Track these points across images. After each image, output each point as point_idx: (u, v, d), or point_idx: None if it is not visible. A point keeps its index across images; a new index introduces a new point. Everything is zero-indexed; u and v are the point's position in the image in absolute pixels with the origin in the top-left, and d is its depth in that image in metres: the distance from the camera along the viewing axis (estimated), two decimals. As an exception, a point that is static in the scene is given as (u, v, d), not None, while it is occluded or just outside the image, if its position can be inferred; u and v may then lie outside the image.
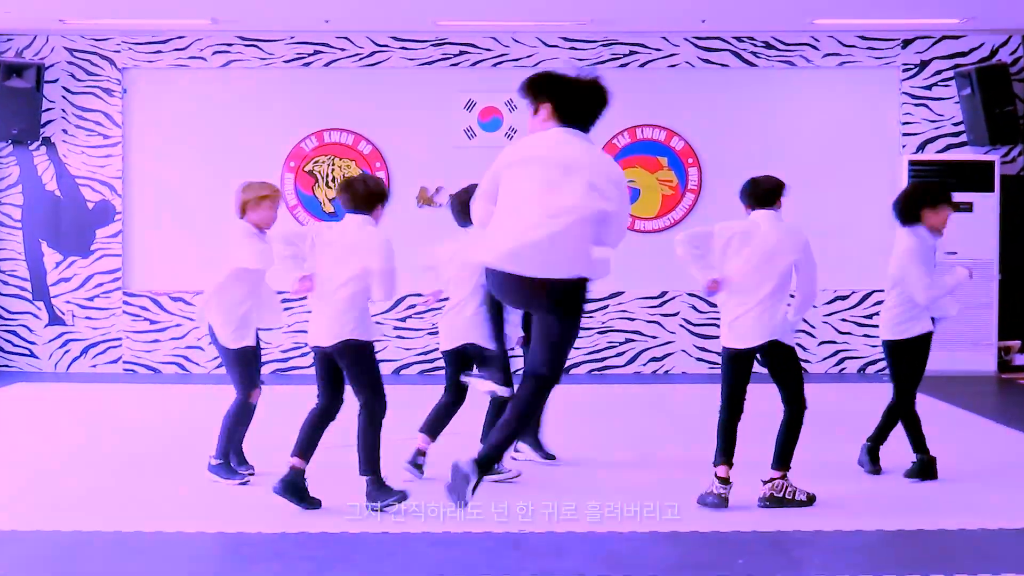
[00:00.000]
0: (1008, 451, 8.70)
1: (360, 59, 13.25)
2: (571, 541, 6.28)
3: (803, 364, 13.08)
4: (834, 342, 13.24)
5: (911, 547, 6.27)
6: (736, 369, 7.13)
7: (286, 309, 10.76)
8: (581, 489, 7.39)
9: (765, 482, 7.11)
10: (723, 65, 13.31)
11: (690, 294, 13.07)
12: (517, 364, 7.66)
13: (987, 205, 12.89)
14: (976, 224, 12.88)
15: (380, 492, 6.84)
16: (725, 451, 7.10)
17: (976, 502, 7.20)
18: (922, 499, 7.26)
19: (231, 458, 7.70)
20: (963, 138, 13.25)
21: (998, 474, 7.95)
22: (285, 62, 13.24)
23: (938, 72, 13.31)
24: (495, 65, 13.27)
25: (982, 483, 7.72)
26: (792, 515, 6.83)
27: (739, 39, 13.26)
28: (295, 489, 6.87)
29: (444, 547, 6.19)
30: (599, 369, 13.15)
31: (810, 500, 7.07)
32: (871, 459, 7.92)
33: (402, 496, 6.81)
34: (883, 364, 13.07)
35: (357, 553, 6.11)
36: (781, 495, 7.06)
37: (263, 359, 8.19)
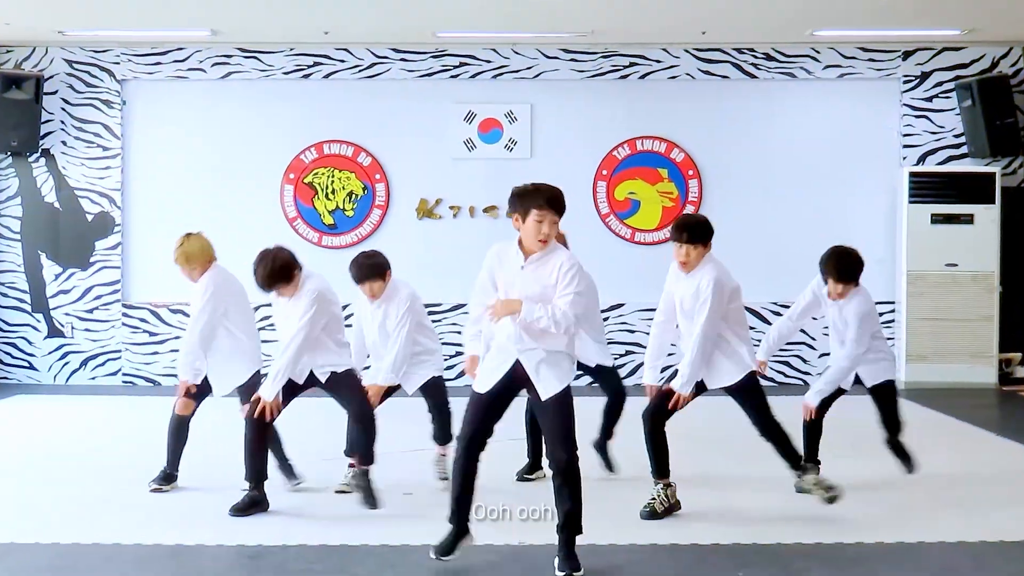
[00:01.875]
0: (1008, 463, 8.71)
1: (360, 71, 13.30)
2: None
3: (804, 376, 13.19)
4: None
5: (912, 559, 6.29)
6: None
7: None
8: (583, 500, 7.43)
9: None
10: (723, 76, 13.35)
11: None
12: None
13: (988, 217, 12.92)
14: (977, 236, 12.90)
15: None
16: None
17: (976, 515, 7.21)
18: (923, 511, 7.28)
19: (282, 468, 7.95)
20: (964, 150, 13.29)
21: (998, 486, 7.97)
22: (284, 74, 13.29)
23: (939, 84, 13.36)
24: (495, 77, 13.31)
25: (982, 495, 7.73)
26: (792, 527, 6.86)
27: (739, 50, 13.31)
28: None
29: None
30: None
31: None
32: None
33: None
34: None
35: (356, 564, 6.14)
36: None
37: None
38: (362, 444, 7.44)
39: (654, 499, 7.12)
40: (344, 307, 7.62)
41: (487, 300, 6.05)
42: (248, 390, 7.63)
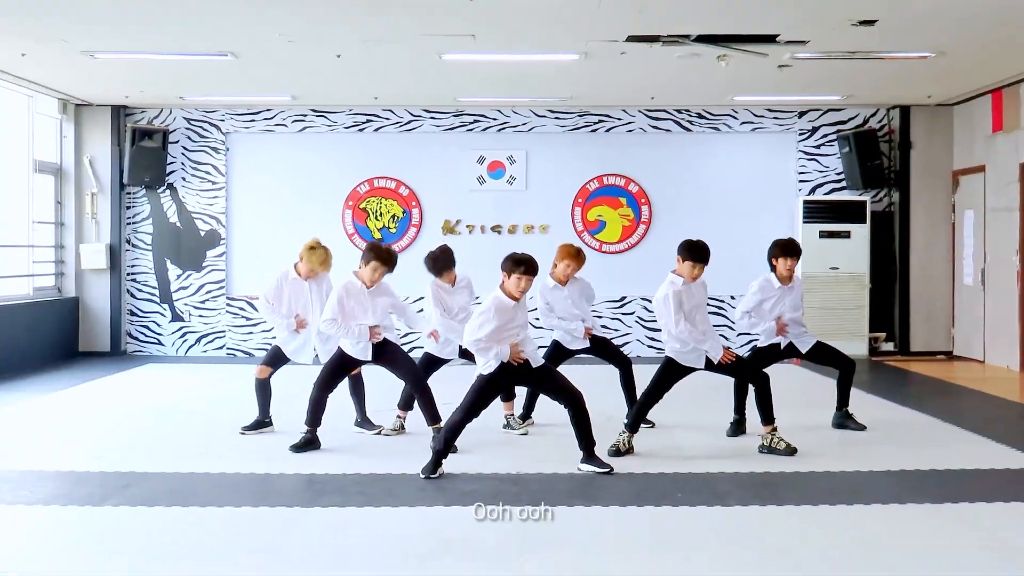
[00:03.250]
0: (876, 414, 8.68)
1: (400, 126, 13.27)
2: (557, 480, 6.29)
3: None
4: (746, 333, 13.23)
5: (807, 484, 6.26)
6: None
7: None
8: (564, 444, 7.42)
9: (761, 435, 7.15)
10: (667, 130, 13.32)
11: (643, 298, 13.08)
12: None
13: (861, 233, 12.89)
14: (853, 247, 12.89)
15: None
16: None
17: (854, 451, 7.19)
18: (815, 450, 7.21)
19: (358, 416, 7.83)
20: (843, 183, 13.27)
21: (869, 431, 7.92)
22: (345, 128, 13.26)
23: (825, 135, 13.33)
24: (499, 130, 13.28)
25: (858, 437, 7.69)
26: (718, 461, 6.83)
27: (679, 111, 13.28)
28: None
29: (466, 482, 6.18)
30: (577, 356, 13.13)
31: (791, 451, 6.99)
32: (848, 420, 7.91)
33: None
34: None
35: (398, 487, 6.12)
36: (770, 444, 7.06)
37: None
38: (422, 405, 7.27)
39: (618, 441, 7.05)
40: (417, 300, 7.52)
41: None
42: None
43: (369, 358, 7.15)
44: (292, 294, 7.66)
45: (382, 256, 7.03)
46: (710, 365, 6.96)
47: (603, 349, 7.93)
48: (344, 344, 7.15)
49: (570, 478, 6.31)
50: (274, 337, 7.90)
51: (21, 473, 6.49)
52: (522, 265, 6.33)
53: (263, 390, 7.78)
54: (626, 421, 7.11)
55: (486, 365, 6.30)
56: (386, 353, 7.17)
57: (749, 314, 7.68)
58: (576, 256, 7.79)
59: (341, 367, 7.21)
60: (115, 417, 8.64)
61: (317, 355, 7.70)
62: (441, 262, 7.53)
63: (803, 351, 7.75)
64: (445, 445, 6.40)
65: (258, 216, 13.31)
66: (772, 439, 7.06)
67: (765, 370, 7.31)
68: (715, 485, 6.19)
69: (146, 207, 13.31)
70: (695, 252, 6.87)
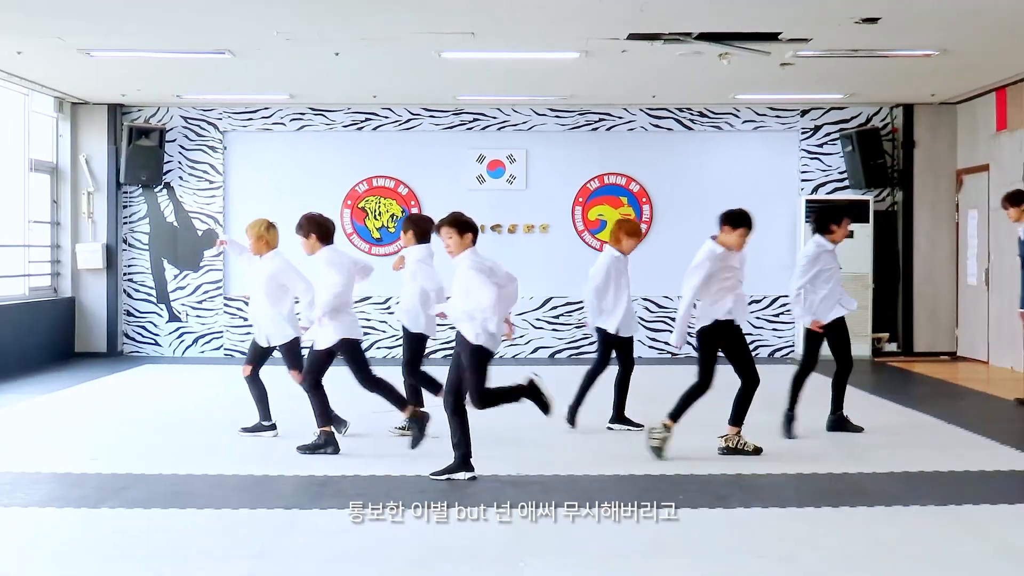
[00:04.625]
0: (879, 415, 8.68)
1: (399, 124, 13.26)
2: (556, 481, 6.29)
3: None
4: (749, 334, 13.22)
5: (807, 485, 6.26)
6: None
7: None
8: (563, 447, 7.40)
9: (721, 437, 7.07)
10: (669, 129, 13.32)
11: (644, 298, 13.08)
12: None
13: (864, 233, 12.87)
14: (856, 247, 12.83)
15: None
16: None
17: (856, 452, 7.18)
18: (817, 451, 7.24)
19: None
20: (846, 183, 13.26)
21: (872, 433, 7.90)
22: (343, 127, 13.25)
23: (828, 134, 13.32)
24: (499, 129, 13.27)
25: (860, 438, 7.68)
26: (719, 463, 6.83)
27: (680, 109, 13.27)
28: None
29: (464, 485, 6.16)
30: (577, 355, 13.16)
31: (757, 451, 6.99)
32: (845, 423, 7.86)
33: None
34: (788, 351, 13.11)
35: (396, 490, 6.11)
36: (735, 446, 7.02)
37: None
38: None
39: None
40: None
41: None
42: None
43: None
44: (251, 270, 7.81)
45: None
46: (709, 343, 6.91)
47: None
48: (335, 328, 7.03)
49: (570, 481, 6.30)
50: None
51: (16, 475, 6.48)
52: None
53: (256, 388, 7.71)
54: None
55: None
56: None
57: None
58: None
59: (328, 355, 7.13)
60: (112, 418, 8.64)
61: (268, 339, 7.58)
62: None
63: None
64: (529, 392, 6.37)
65: (255, 216, 13.17)
66: (739, 440, 7.05)
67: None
68: (717, 487, 6.18)
69: (143, 206, 13.30)
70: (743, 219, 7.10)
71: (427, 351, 7.77)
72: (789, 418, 7.68)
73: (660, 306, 13.27)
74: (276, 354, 7.74)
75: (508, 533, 5.22)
